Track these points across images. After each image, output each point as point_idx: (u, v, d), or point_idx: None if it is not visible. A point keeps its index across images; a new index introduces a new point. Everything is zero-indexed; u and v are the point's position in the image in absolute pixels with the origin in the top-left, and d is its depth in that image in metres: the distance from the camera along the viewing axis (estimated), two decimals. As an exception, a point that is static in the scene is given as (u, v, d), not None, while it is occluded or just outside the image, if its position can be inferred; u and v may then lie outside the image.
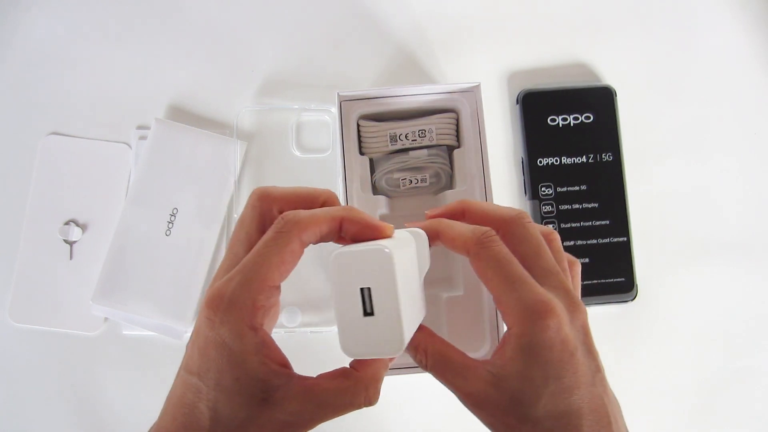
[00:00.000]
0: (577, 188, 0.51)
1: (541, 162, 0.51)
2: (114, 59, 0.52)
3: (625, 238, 0.51)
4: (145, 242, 0.49)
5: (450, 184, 0.46)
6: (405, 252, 0.29)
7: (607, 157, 0.52)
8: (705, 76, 0.54)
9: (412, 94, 0.44)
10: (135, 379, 0.50)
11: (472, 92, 0.45)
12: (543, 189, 0.51)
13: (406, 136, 0.44)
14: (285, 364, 0.29)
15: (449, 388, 0.31)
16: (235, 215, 0.51)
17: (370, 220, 0.29)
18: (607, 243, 0.51)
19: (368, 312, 0.27)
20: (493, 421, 0.30)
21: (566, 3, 0.54)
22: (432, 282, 0.45)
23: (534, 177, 0.51)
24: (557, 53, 0.54)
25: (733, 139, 0.54)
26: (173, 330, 0.49)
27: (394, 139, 0.44)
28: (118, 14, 0.53)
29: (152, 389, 0.50)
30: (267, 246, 0.28)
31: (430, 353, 0.32)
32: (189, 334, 0.50)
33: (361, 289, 0.27)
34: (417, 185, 0.45)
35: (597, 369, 0.31)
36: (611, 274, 0.51)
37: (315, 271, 0.50)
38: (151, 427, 0.29)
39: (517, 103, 0.52)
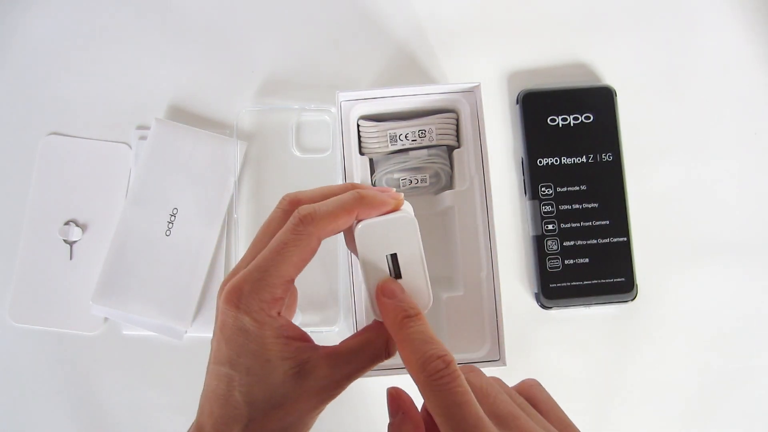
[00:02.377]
0: (577, 188, 0.51)
1: (541, 162, 0.51)
2: (114, 59, 0.52)
3: (625, 238, 0.51)
4: (145, 242, 0.49)
5: (450, 184, 0.46)
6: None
7: (607, 157, 0.52)
8: (705, 76, 0.54)
9: (412, 95, 0.44)
10: (135, 379, 0.50)
11: (473, 92, 0.45)
12: (543, 189, 0.51)
13: (406, 137, 0.44)
14: (307, 340, 0.30)
15: None
16: (235, 215, 0.51)
17: (382, 201, 0.30)
18: (607, 243, 0.51)
19: (397, 275, 0.30)
20: None
21: (566, 3, 0.54)
22: (431, 281, 0.45)
23: (534, 177, 0.51)
24: (557, 53, 0.54)
25: (733, 139, 0.54)
26: (173, 330, 0.49)
27: (394, 139, 0.44)
28: (118, 14, 0.53)
29: (152, 389, 0.50)
30: (286, 245, 0.29)
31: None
32: (189, 334, 0.50)
33: (388, 256, 0.29)
34: (417, 185, 0.45)
35: None
36: (611, 274, 0.51)
37: (315, 272, 0.50)
38: (191, 427, 0.29)
39: (517, 103, 0.52)
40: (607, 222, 0.51)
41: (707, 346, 0.52)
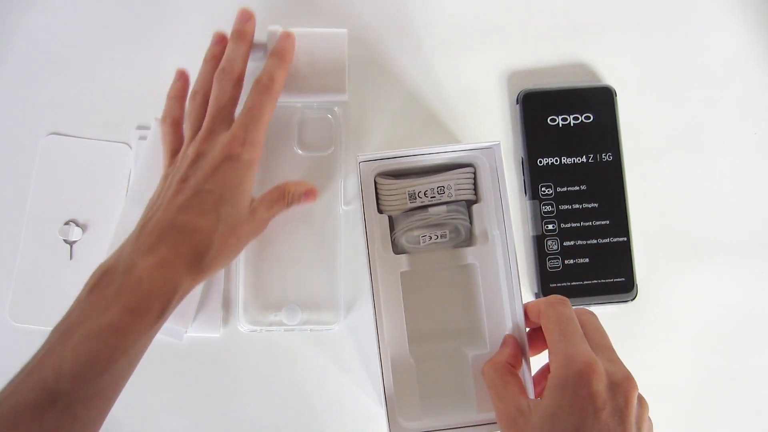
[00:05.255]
0: (577, 188, 0.51)
1: (541, 162, 0.51)
2: (114, 59, 0.52)
3: (625, 238, 0.51)
4: (145, 242, 0.49)
5: (469, 238, 0.46)
6: None
7: (607, 157, 0.52)
8: (705, 76, 0.54)
9: (430, 153, 0.43)
10: (135, 378, 0.50)
11: (491, 149, 0.44)
12: (543, 189, 0.51)
13: (424, 194, 0.44)
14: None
15: (492, 400, 0.38)
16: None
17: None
18: (607, 243, 0.51)
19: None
20: None
21: (566, 3, 0.54)
22: (452, 333, 0.45)
23: (534, 177, 0.51)
24: (557, 53, 0.54)
25: (733, 139, 0.54)
26: (172, 330, 0.49)
27: (413, 197, 0.44)
28: (118, 14, 0.53)
29: (153, 389, 0.50)
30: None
31: (492, 366, 0.39)
32: (189, 335, 0.50)
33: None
34: (437, 240, 0.44)
35: None
36: (611, 274, 0.51)
37: (316, 271, 0.50)
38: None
39: (517, 103, 0.52)
40: (607, 222, 0.51)
41: (707, 346, 0.52)
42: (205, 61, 0.47)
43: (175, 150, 0.46)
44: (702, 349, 0.52)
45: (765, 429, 0.52)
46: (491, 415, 0.41)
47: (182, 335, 0.49)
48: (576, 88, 0.52)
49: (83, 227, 0.50)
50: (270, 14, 0.53)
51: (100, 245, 0.49)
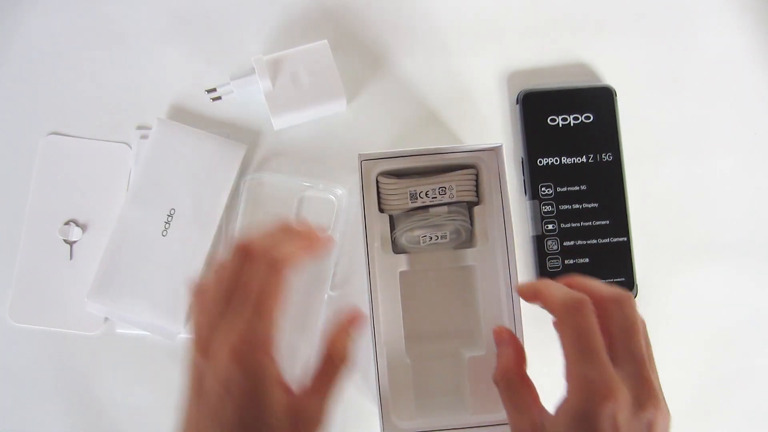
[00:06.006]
0: (577, 188, 0.51)
1: (541, 162, 0.51)
2: (114, 59, 0.52)
3: (625, 238, 0.51)
4: (142, 242, 0.49)
5: (470, 239, 0.46)
6: None
7: (607, 157, 0.52)
8: (705, 76, 0.54)
9: (433, 153, 0.43)
10: (135, 378, 0.50)
11: (494, 151, 0.44)
12: (543, 189, 0.51)
13: (426, 194, 0.44)
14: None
15: (506, 411, 0.35)
16: (237, 213, 0.50)
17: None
18: (607, 243, 0.51)
19: None
20: None
21: (566, 3, 0.54)
22: (450, 334, 0.45)
23: (534, 177, 0.51)
24: (557, 53, 0.54)
25: (733, 139, 0.54)
26: (165, 330, 0.49)
27: (414, 197, 0.44)
28: (118, 13, 0.53)
29: (152, 389, 0.50)
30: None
31: (509, 373, 0.36)
32: (182, 335, 0.50)
33: None
34: (437, 241, 0.44)
35: None
36: (611, 274, 0.51)
37: (301, 353, 0.49)
38: None
39: (517, 103, 0.52)
40: (607, 222, 0.51)
41: (707, 346, 0.52)
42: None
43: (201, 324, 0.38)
44: (702, 349, 0.52)
45: (765, 429, 0.52)
46: (486, 417, 0.41)
47: (175, 336, 0.49)
48: (576, 88, 0.52)
49: (83, 227, 0.50)
50: (271, 32, 0.53)
51: (100, 245, 0.49)
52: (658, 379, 0.33)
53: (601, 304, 0.33)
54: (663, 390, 0.33)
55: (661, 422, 0.31)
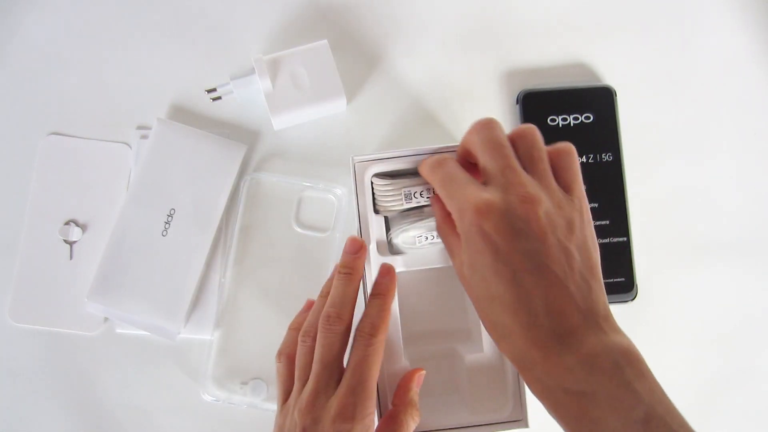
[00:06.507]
0: (577, 188, 0.51)
1: (541, 162, 0.51)
2: (114, 59, 0.52)
3: (625, 238, 0.51)
4: (142, 241, 0.49)
5: None
6: None
7: (607, 157, 0.52)
8: (705, 76, 0.54)
9: (426, 153, 0.43)
10: (134, 378, 0.50)
11: None
12: (543, 189, 0.51)
13: (420, 194, 0.44)
14: None
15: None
16: (229, 243, 0.51)
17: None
18: (607, 243, 0.51)
19: None
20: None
21: (566, 3, 0.54)
22: (447, 334, 0.45)
23: (534, 177, 0.51)
24: (557, 53, 0.54)
25: (733, 139, 0.54)
26: (165, 330, 0.49)
27: (408, 197, 0.44)
28: (119, 13, 0.53)
29: (152, 389, 0.50)
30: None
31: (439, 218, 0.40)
32: (182, 336, 0.50)
33: None
34: (433, 241, 0.44)
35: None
36: (611, 274, 0.51)
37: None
38: None
39: (517, 103, 0.52)
40: (607, 222, 0.51)
41: (707, 346, 0.52)
42: (321, 296, 0.42)
43: (288, 390, 0.41)
44: (702, 349, 0.52)
45: (765, 429, 0.52)
46: (485, 417, 0.41)
47: (175, 336, 0.49)
48: (576, 88, 0.52)
49: (83, 227, 0.50)
50: (271, 32, 0.53)
51: (100, 245, 0.49)
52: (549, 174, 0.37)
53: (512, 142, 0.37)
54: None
55: (573, 216, 0.35)
